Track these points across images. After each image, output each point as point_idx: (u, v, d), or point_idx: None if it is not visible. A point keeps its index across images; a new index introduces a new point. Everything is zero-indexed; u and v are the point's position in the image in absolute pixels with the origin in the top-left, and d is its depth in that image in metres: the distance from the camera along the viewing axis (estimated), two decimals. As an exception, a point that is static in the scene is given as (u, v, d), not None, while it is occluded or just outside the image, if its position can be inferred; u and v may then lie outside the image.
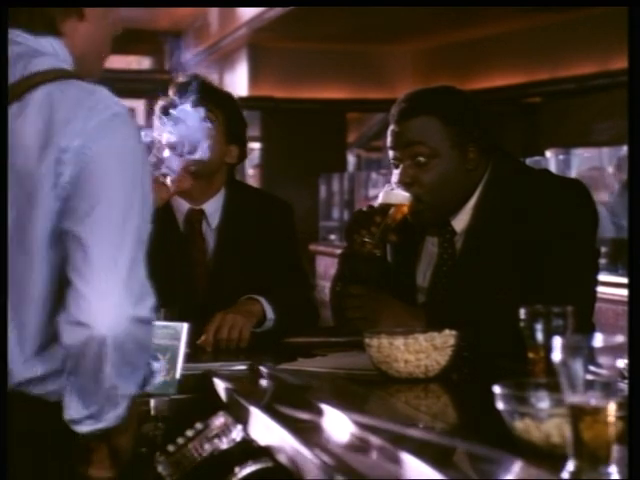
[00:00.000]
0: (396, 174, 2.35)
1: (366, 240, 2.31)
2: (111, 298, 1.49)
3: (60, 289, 1.54)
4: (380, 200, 2.33)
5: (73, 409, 1.55)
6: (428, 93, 2.40)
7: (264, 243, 2.69)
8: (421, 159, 2.31)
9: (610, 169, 5.97)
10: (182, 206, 2.68)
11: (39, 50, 1.61)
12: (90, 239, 1.50)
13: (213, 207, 2.70)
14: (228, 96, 2.76)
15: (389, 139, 2.37)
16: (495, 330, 2.13)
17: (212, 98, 2.60)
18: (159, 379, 1.61)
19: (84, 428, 1.55)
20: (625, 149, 5.61)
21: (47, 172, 1.51)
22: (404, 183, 2.32)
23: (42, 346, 1.57)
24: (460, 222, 2.35)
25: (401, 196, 2.30)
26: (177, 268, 2.62)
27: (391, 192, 2.32)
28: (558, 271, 2.21)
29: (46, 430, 1.58)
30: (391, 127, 2.37)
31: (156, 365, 1.63)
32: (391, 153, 2.37)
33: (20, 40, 1.62)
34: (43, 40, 1.62)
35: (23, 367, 1.56)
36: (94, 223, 1.50)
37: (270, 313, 2.53)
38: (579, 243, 2.26)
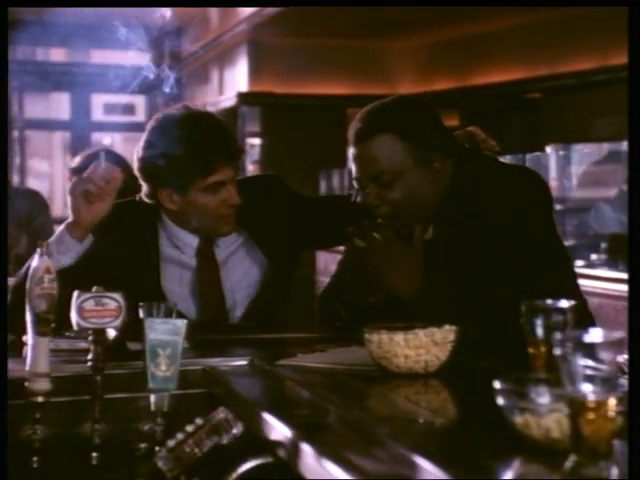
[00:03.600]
0: (361, 195, 2.28)
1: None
2: None
3: None
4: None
5: None
6: (382, 110, 2.30)
7: (275, 237, 2.68)
8: (385, 181, 2.24)
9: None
10: (192, 241, 2.65)
11: None
12: None
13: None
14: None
15: (351, 162, 2.29)
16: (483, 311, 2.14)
17: (228, 159, 2.52)
18: (159, 374, 1.56)
19: None
20: (625, 144, 5.61)
21: None
22: (372, 206, 2.26)
23: None
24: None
25: None
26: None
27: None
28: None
29: None
30: (350, 150, 2.29)
31: None
32: (354, 173, 2.30)
33: None
34: None
35: None
36: None
37: None
38: (535, 227, 2.25)
